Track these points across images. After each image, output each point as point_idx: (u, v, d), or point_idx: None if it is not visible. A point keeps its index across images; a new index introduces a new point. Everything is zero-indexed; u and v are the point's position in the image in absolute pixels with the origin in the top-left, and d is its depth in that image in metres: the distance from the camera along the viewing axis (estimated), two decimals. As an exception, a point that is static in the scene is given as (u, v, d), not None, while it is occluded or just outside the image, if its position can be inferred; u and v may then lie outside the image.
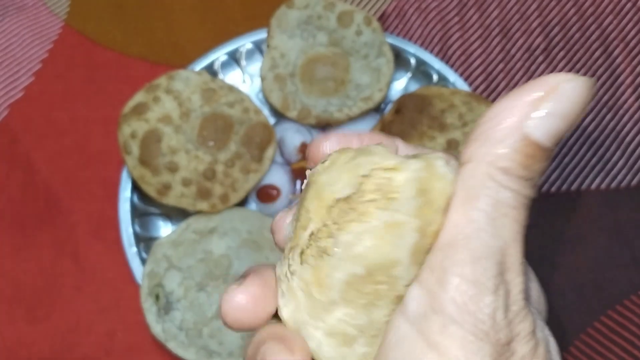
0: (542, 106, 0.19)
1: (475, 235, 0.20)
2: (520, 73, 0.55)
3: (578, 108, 0.19)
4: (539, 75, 0.55)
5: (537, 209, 0.53)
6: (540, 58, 0.56)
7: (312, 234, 0.21)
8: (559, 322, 0.47)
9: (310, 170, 0.22)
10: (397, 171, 0.20)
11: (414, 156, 0.21)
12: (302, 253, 0.22)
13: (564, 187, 0.52)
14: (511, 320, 0.20)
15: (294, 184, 0.50)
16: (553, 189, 0.52)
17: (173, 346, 0.43)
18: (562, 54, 0.56)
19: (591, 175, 0.52)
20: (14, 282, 0.49)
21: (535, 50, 0.56)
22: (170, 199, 0.46)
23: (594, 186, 0.52)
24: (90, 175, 0.52)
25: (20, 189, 0.52)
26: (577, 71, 0.55)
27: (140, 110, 0.47)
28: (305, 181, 0.22)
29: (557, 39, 0.57)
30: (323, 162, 0.22)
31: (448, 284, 0.19)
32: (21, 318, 0.48)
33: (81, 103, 0.55)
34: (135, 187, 0.49)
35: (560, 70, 0.55)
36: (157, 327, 0.44)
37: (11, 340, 0.47)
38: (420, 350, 0.20)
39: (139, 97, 0.48)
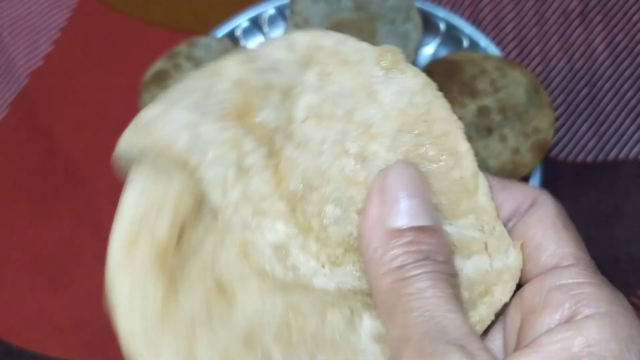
0: None
1: None
2: (555, 38, 0.53)
3: None
4: (575, 40, 0.53)
5: (572, 179, 0.51)
6: (576, 22, 0.54)
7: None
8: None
9: None
10: None
11: None
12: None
13: (601, 156, 0.50)
14: None
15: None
16: (589, 158, 0.50)
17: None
18: (598, 17, 0.54)
19: (629, 144, 0.50)
20: (34, 252, 0.49)
21: (570, 13, 0.54)
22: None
23: (632, 156, 0.49)
24: (110, 144, 0.51)
25: (40, 159, 0.51)
26: (615, 36, 0.53)
27: (161, 77, 0.46)
28: None
29: (593, 1, 0.54)
30: None
31: None
32: (42, 288, 0.47)
33: (101, 71, 0.54)
34: (156, 156, 0.48)
35: (597, 35, 0.53)
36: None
37: (32, 309, 0.47)
38: None
39: (159, 64, 0.47)
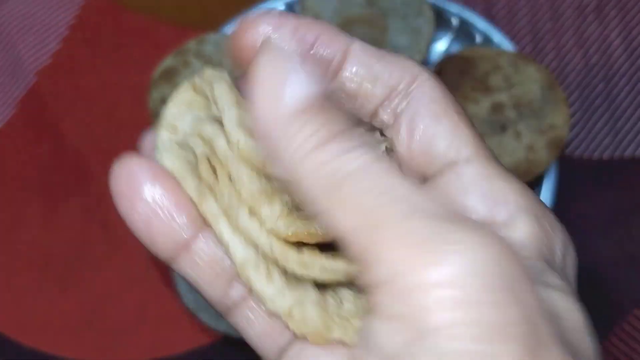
0: None
1: None
2: (569, 33, 0.52)
3: None
4: (590, 35, 0.52)
5: (588, 176, 0.50)
6: (591, 17, 0.53)
7: None
8: (610, 297, 0.44)
9: None
10: None
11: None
12: None
13: (617, 153, 0.49)
14: None
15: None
16: (605, 155, 0.49)
17: (205, 317, 0.42)
18: (614, 12, 0.53)
19: (646, 141, 0.49)
20: (43, 251, 0.48)
21: (585, 8, 0.53)
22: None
23: (649, 153, 0.48)
24: (119, 142, 0.51)
25: (49, 157, 0.51)
26: (630, 31, 0.52)
27: (170, 74, 0.46)
28: None
29: (609, -4, 0.53)
30: None
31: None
32: (52, 287, 0.47)
33: (110, 69, 0.54)
34: (166, 154, 0.47)
35: (613, 30, 0.52)
36: (188, 298, 0.42)
37: (42, 309, 0.47)
38: None
39: (168, 61, 0.47)
